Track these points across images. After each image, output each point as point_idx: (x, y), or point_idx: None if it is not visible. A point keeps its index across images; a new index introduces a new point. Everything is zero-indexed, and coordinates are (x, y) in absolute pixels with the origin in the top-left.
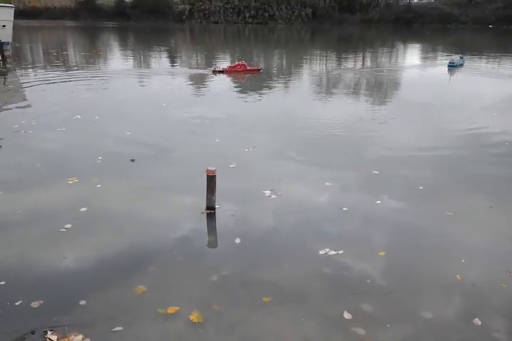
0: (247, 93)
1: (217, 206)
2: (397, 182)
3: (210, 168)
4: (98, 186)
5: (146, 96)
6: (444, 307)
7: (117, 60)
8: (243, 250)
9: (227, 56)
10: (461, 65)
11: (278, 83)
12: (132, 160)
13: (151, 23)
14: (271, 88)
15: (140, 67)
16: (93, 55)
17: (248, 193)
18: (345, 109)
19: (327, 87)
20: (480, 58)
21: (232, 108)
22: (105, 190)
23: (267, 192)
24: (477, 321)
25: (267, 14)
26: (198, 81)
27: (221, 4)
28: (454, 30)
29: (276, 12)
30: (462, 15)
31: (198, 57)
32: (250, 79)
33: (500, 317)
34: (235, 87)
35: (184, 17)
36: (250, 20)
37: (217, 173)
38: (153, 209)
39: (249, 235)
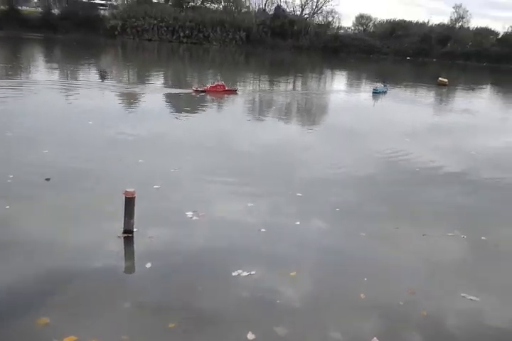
0: (177, 113)
1: (135, 229)
2: (318, 204)
3: (128, 190)
4: (7, 207)
5: (69, 112)
6: (350, 327)
7: (38, 73)
8: (159, 275)
9: (160, 74)
10: (385, 92)
11: (211, 103)
12: (47, 179)
13: (81, 36)
14: (203, 108)
15: (65, 80)
16: (13, 67)
17: (170, 215)
18: (275, 132)
19: (260, 108)
20: (400, 86)
21: (161, 127)
22: (14, 212)
23: (189, 213)
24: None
25: (201, 35)
26: (128, 98)
27: (155, 22)
28: (376, 60)
29: (211, 33)
30: (384, 47)
31: (130, 74)
32: (182, 99)
33: (397, 333)
34: (166, 107)
35: (116, 32)
36: (185, 40)
37: (139, 194)
38: (67, 233)
39: (166, 258)
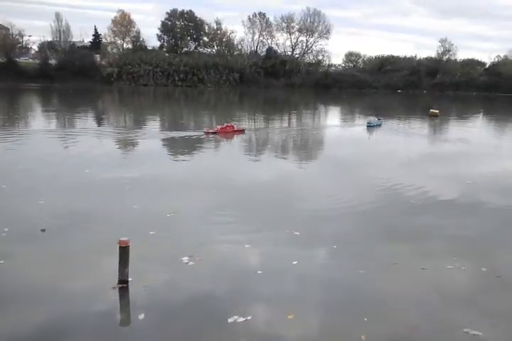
0: (175, 155)
1: (130, 279)
2: (315, 242)
3: (122, 239)
4: (1, 262)
5: (66, 160)
6: None
7: (36, 122)
8: (154, 326)
9: (157, 117)
10: (379, 125)
11: (209, 143)
12: (43, 230)
13: (77, 84)
14: (201, 148)
15: (62, 128)
16: (10, 117)
17: (165, 261)
18: (273, 169)
19: (256, 146)
20: (393, 119)
21: (159, 171)
22: (9, 267)
23: (185, 259)
24: None
25: (196, 78)
26: (126, 144)
27: (150, 67)
28: (367, 94)
29: (205, 76)
30: (374, 81)
31: (127, 119)
32: (179, 141)
33: None
34: (163, 148)
35: (112, 79)
36: (180, 83)
37: (135, 242)
38: (63, 286)
39: (161, 308)
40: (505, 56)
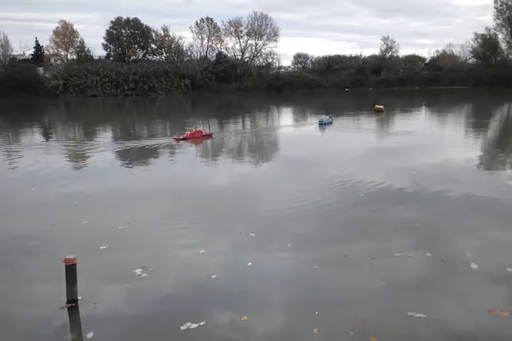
0: (127, 165)
1: (80, 297)
2: (269, 242)
3: (68, 257)
4: None
5: (10, 178)
6: None
7: None
8: None
9: (108, 128)
10: (331, 123)
11: (162, 151)
12: None
13: (21, 99)
14: (155, 157)
15: (6, 145)
16: None
17: (117, 275)
18: (229, 172)
19: (212, 150)
20: (343, 116)
21: (109, 182)
22: None
23: (138, 271)
24: None
25: (146, 86)
26: (75, 157)
27: (98, 78)
28: (318, 93)
29: (156, 84)
30: (323, 81)
31: (76, 131)
32: (133, 151)
33: None
34: (115, 160)
35: (58, 92)
36: (130, 93)
37: (85, 258)
38: (9, 311)
39: (114, 324)
40: (444, 50)
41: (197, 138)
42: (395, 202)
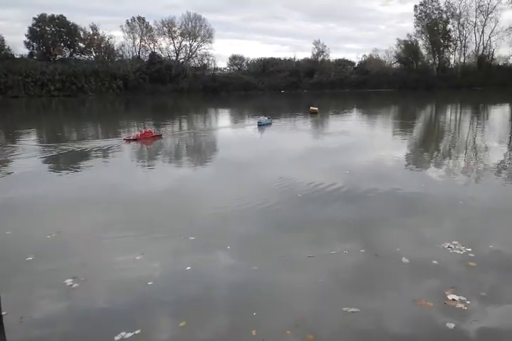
0: (57, 170)
1: (3, 312)
2: (210, 245)
3: None
4: None
5: None
6: None
7: None
8: None
9: (33, 131)
10: (270, 124)
11: (95, 155)
12: None
13: None
14: (88, 160)
15: None
16: None
17: (45, 287)
18: (167, 174)
19: (148, 153)
20: (279, 118)
21: (35, 189)
22: None
23: (69, 281)
24: None
25: (74, 86)
26: None
27: (20, 78)
28: (254, 95)
29: (85, 84)
30: (259, 83)
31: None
32: (63, 155)
33: None
34: (43, 165)
35: None
36: (56, 93)
37: (8, 272)
38: None
39: (41, 339)
40: (370, 55)
41: (147, 138)
42: (329, 201)
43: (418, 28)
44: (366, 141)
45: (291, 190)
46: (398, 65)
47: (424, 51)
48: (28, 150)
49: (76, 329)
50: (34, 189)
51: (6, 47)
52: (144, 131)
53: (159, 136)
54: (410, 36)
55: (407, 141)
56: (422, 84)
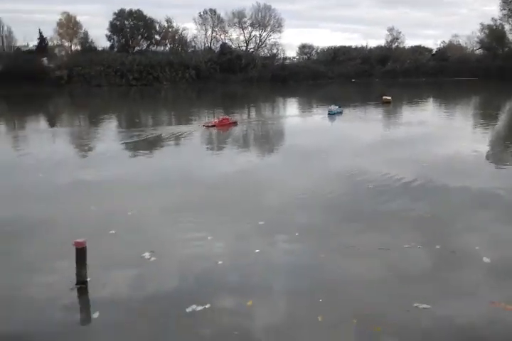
0: (137, 155)
1: (88, 279)
2: (278, 231)
3: (78, 240)
4: None
5: (20, 164)
6: None
7: None
8: (115, 324)
9: (113, 117)
10: (340, 113)
11: (169, 140)
12: None
13: (26, 89)
14: (160, 148)
15: (12, 130)
16: None
17: (126, 258)
18: (238, 161)
19: (218, 139)
20: (350, 107)
21: (121, 169)
22: None
23: (147, 255)
24: None
25: (151, 76)
26: (83, 143)
27: (102, 68)
28: (324, 84)
29: (160, 74)
30: (329, 72)
31: (81, 119)
32: (142, 141)
33: None
34: (125, 150)
35: (63, 81)
36: (134, 83)
37: (94, 242)
38: (20, 290)
39: (122, 305)
40: (450, 41)
41: (224, 125)
42: (404, 195)
43: (504, 12)
44: (444, 133)
45: (361, 181)
46: (481, 51)
47: (511, 37)
48: (112, 135)
49: (151, 299)
50: (116, 170)
51: (90, 40)
52: (221, 118)
53: (235, 123)
54: (495, 20)
55: (489, 134)
56: (509, 72)
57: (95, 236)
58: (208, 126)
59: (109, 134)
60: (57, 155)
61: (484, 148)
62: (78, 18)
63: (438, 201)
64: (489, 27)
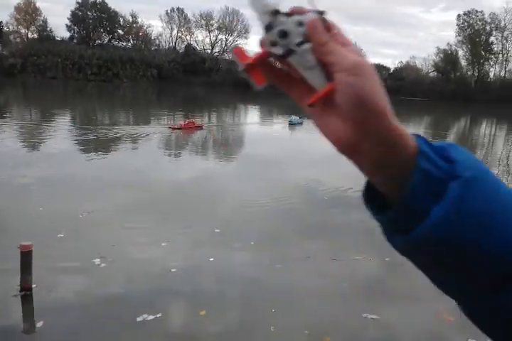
0: (89, 153)
1: (34, 285)
2: (234, 239)
3: (23, 243)
4: None
5: None
6: None
7: None
8: (61, 332)
9: (67, 112)
10: (300, 124)
11: (126, 141)
12: None
13: None
14: (118, 148)
15: None
16: None
17: (75, 264)
18: (194, 167)
19: (175, 144)
20: (307, 118)
21: (73, 169)
22: None
23: (97, 261)
24: None
25: (110, 72)
26: (32, 139)
27: (59, 59)
28: (285, 94)
29: (121, 71)
30: None
31: (32, 112)
32: (94, 140)
33: None
34: (76, 148)
35: (16, 71)
36: (92, 78)
37: (41, 246)
38: None
39: (69, 313)
40: (408, 62)
41: (191, 128)
42: (356, 206)
43: (459, 38)
44: None
45: (316, 192)
46: (435, 74)
47: (463, 62)
48: (61, 132)
49: (100, 307)
50: (69, 169)
51: (49, 28)
52: (187, 121)
53: (200, 127)
54: (450, 46)
55: None
56: (459, 95)
57: (43, 240)
58: (174, 128)
59: (62, 131)
60: (2, 152)
61: None
62: (38, 4)
63: None
64: (444, 51)
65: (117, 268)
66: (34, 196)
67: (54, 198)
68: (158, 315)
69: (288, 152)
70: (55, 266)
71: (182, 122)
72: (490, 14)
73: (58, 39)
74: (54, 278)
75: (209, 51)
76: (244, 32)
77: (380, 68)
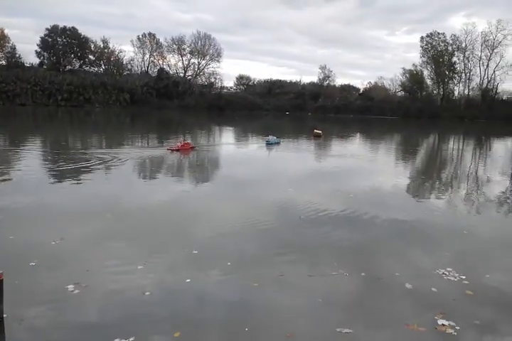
0: (61, 179)
1: (4, 315)
2: (211, 260)
3: None
4: None
5: None
6: None
7: None
8: None
9: (37, 138)
10: (278, 144)
11: (96, 168)
12: None
13: None
14: (90, 172)
15: None
16: None
17: (48, 292)
18: (168, 189)
19: (150, 168)
20: (283, 138)
21: (42, 196)
22: None
23: (71, 287)
24: None
25: (82, 97)
26: None
27: (28, 86)
28: (259, 115)
29: (92, 96)
30: (265, 104)
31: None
32: (67, 165)
33: None
34: (45, 173)
35: None
36: (63, 103)
37: (11, 275)
38: None
39: None
40: (375, 82)
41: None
42: (331, 225)
43: (424, 59)
44: (368, 166)
45: (292, 212)
46: (402, 93)
47: (428, 81)
48: (35, 158)
49: (73, 334)
50: (40, 196)
51: (17, 55)
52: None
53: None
54: (416, 66)
55: (409, 168)
56: (426, 113)
57: (13, 269)
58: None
59: (32, 158)
60: None
61: (404, 181)
62: (6, 31)
63: (364, 231)
64: (410, 72)
65: (91, 294)
66: (4, 224)
67: (26, 226)
68: (130, 339)
69: (265, 172)
70: (26, 295)
71: (179, 143)
72: (451, 36)
73: (28, 65)
74: (25, 307)
75: (182, 74)
76: (217, 56)
77: (351, 89)
